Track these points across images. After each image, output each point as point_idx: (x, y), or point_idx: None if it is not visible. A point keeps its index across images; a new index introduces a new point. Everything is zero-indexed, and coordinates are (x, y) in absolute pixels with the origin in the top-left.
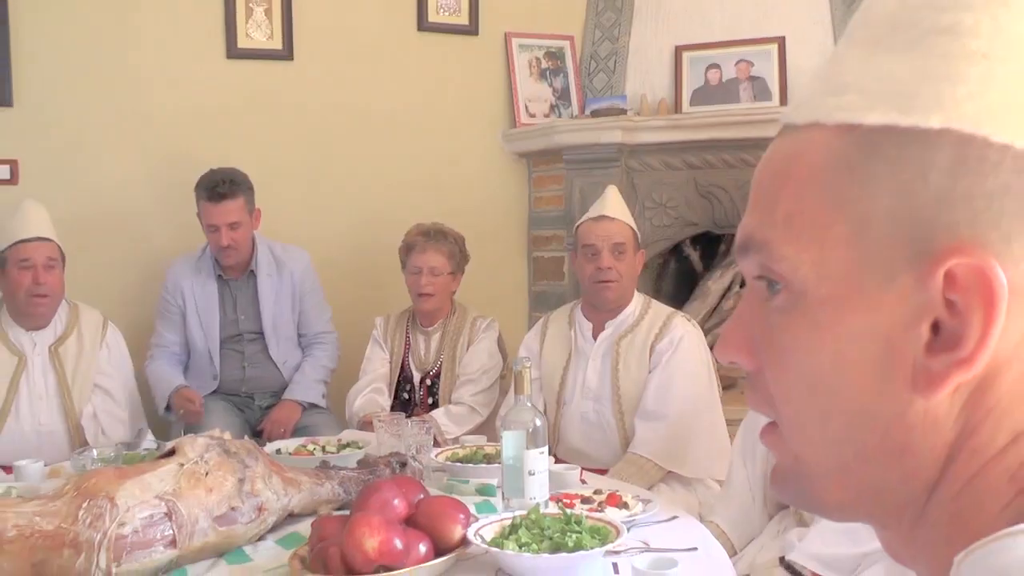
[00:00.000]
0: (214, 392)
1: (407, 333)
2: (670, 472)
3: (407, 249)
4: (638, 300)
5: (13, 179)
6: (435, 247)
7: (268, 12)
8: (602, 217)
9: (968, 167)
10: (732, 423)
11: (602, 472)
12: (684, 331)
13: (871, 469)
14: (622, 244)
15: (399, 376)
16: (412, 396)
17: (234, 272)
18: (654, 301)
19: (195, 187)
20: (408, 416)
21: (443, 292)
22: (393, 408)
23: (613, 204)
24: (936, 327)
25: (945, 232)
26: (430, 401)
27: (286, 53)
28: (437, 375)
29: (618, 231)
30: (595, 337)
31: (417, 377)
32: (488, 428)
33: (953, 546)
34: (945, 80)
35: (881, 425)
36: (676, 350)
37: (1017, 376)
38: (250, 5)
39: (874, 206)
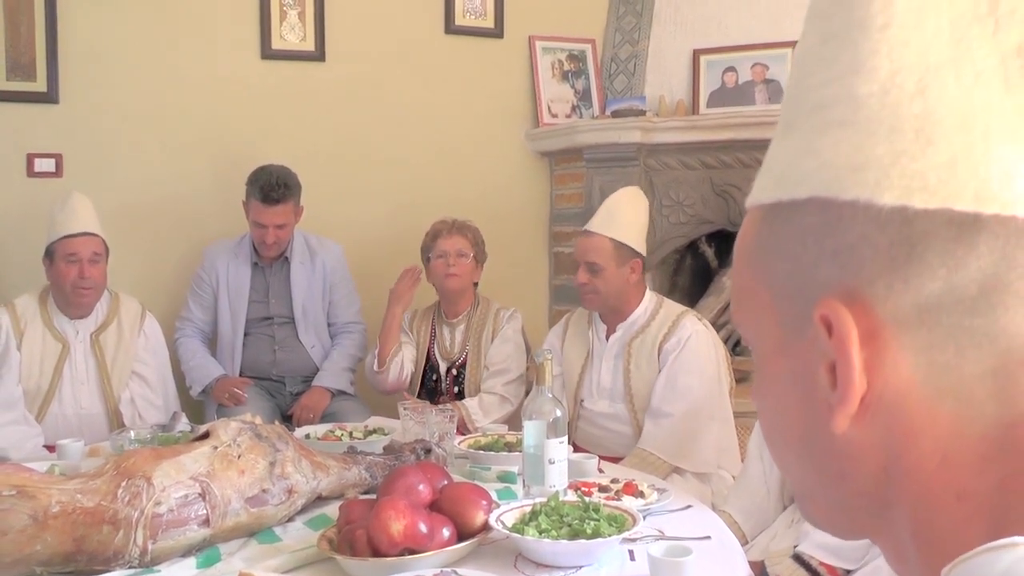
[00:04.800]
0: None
1: (432, 325)
2: None
3: (432, 237)
4: (649, 301)
5: (58, 172)
6: (459, 232)
7: (301, 15)
8: (585, 232)
9: (831, 226)
10: (749, 415)
11: (617, 460)
12: (693, 330)
13: (829, 491)
14: (595, 263)
15: (425, 365)
16: (438, 386)
17: (269, 259)
18: (667, 301)
19: (248, 181)
20: (434, 405)
21: (467, 276)
22: (419, 397)
23: (599, 218)
24: (834, 369)
25: (822, 287)
26: (456, 390)
27: (318, 54)
28: (463, 365)
29: (595, 248)
30: (608, 339)
31: (443, 367)
32: (512, 419)
33: (928, 563)
34: (807, 154)
35: (819, 455)
36: (683, 349)
37: (919, 400)
38: (284, 8)
39: (778, 272)
